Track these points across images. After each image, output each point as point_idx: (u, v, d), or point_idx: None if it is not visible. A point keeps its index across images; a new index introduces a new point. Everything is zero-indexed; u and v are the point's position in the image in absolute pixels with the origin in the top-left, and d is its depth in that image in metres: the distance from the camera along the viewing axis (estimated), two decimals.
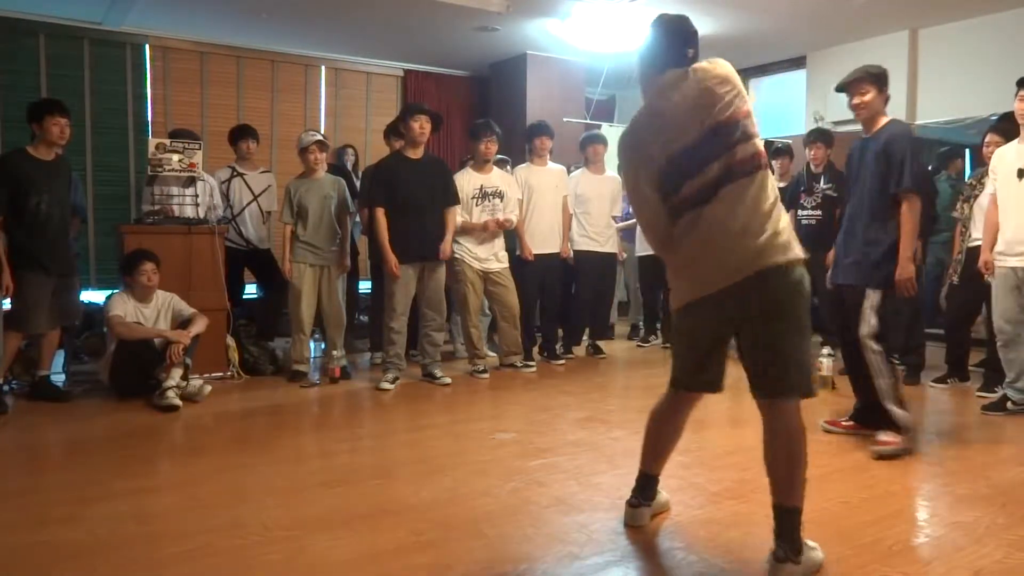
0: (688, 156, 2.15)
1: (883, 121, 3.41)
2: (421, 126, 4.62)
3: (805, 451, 2.11)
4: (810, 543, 2.17)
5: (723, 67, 2.19)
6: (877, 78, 3.36)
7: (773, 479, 2.12)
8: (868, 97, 3.35)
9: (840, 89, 3.45)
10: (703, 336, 2.28)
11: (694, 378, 2.34)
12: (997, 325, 4.07)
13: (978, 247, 4.29)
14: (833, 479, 2.99)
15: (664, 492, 2.63)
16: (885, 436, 3.31)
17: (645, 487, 2.53)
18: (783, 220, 2.15)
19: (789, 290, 2.12)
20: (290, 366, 4.94)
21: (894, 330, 5.07)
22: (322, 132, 6.03)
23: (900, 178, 3.28)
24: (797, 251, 2.14)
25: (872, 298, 3.35)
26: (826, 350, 4.84)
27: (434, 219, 4.71)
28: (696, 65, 2.21)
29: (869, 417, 3.51)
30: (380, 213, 4.60)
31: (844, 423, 3.67)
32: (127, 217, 6.43)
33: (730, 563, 2.24)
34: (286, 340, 5.22)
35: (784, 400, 2.12)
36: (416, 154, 4.69)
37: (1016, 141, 4.00)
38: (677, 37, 2.29)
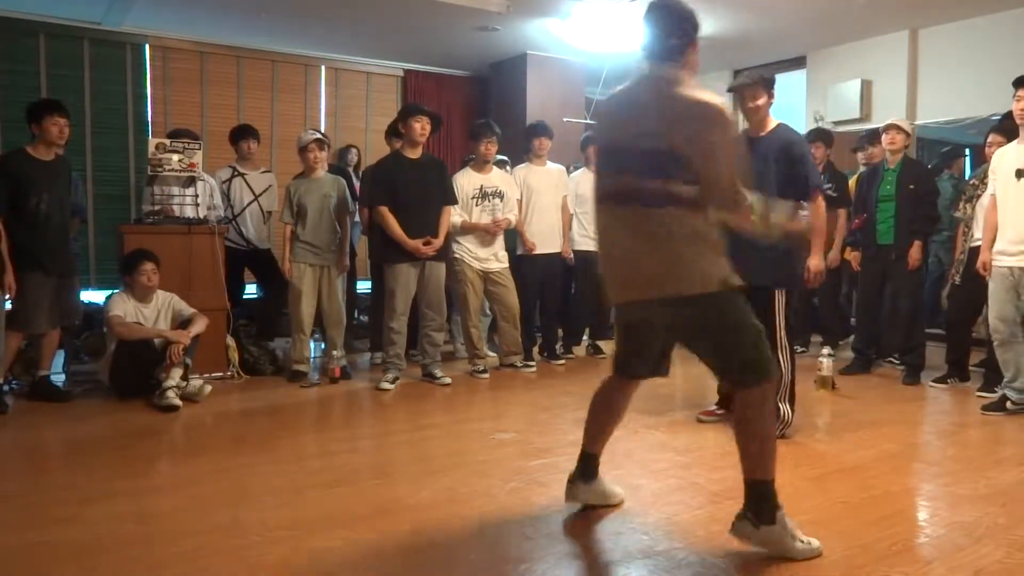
0: (631, 157, 2.26)
1: (772, 123, 3.59)
2: (422, 127, 4.62)
3: (769, 430, 2.25)
4: (808, 539, 2.27)
5: (703, 105, 2.19)
6: (769, 83, 3.56)
7: (741, 455, 2.27)
8: (761, 102, 3.53)
9: (731, 90, 3.68)
10: (633, 332, 2.46)
11: (628, 365, 2.53)
12: (992, 325, 4.07)
13: (980, 247, 4.29)
14: (833, 479, 2.99)
15: (617, 488, 2.70)
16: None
17: (585, 466, 2.60)
18: (698, 253, 2.20)
19: (704, 317, 2.22)
20: (290, 366, 4.94)
21: (893, 329, 5.10)
22: (322, 131, 6.03)
23: (808, 178, 3.52)
24: (707, 283, 2.18)
25: (779, 299, 3.51)
26: (826, 350, 4.84)
27: (433, 218, 4.71)
28: (682, 91, 2.22)
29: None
30: (384, 210, 4.61)
31: (717, 411, 3.83)
32: (127, 217, 6.43)
33: (730, 563, 2.24)
34: (286, 340, 5.22)
35: (743, 390, 2.24)
36: (415, 154, 4.69)
37: (1016, 142, 4.01)
38: (661, 25, 2.32)
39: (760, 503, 2.24)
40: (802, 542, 2.26)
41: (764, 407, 2.25)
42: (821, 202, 3.62)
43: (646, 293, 2.26)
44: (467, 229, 5.00)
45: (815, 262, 3.65)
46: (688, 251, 2.20)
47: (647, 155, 2.21)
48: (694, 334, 2.28)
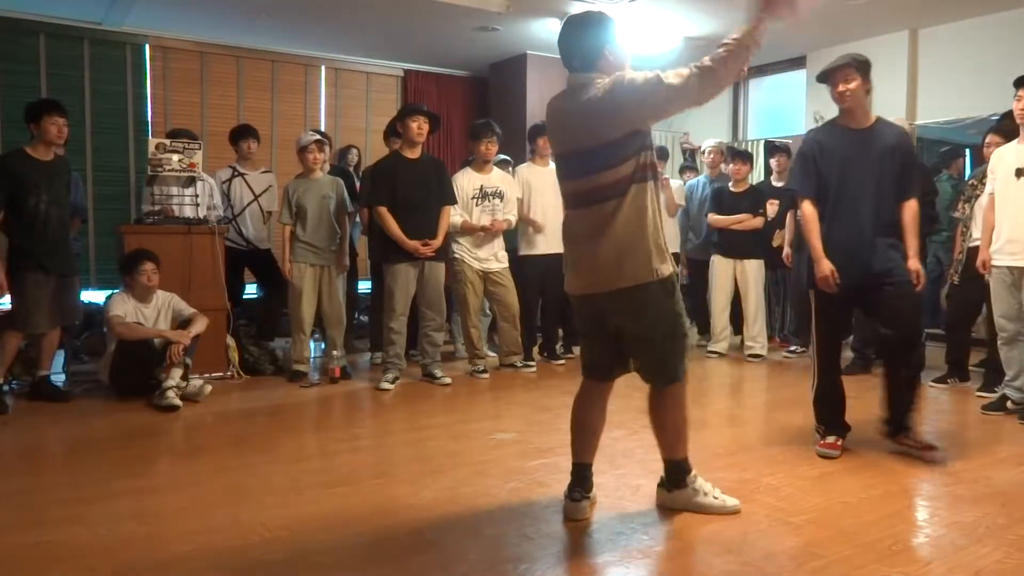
0: (574, 161, 2.48)
1: (874, 116, 3.36)
2: (419, 126, 4.62)
3: (684, 417, 2.58)
4: (724, 497, 2.61)
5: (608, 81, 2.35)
6: (863, 65, 3.27)
7: (659, 440, 2.61)
8: (853, 85, 3.24)
9: (822, 78, 3.35)
10: (593, 330, 2.57)
11: (596, 367, 2.61)
12: (998, 323, 4.08)
13: (979, 247, 4.28)
14: (833, 479, 2.99)
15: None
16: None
17: (583, 479, 2.61)
18: (647, 240, 2.37)
19: (648, 306, 2.40)
20: (290, 366, 4.94)
21: None
22: (323, 131, 6.03)
23: (912, 184, 3.29)
24: (651, 272, 2.37)
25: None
26: None
27: (432, 218, 4.71)
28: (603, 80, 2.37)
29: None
30: (384, 211, 4.61)
31: (839, 443, 3.32)
32: (127, 217, 6.43)
33: (731, 564, 2.24)
34: (286, 340, 5.22)
35: (663, 387, 2.53)
36: (414, 154, 4.69)
37: (1016, 141, 4.01)
38: (571, 41, 2.46)
39: (676, 475, 2.61)
40: (716, 498, 2.61)
41: (683, 400, 2.57)
42: (916, 211, 3.31)
43: (598, 287, 2.42)
44: (467, 229, 5.00)
45: (915, 263, 3.28)
46: (628, 244, 2.35)
47: (585, 155, 2.39)
48: (636, 327, 2.44)
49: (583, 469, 2.60)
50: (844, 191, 3.28)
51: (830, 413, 3.37)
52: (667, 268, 2.41)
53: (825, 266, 3.28)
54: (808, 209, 3.36)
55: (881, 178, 3.25)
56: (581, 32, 2.44)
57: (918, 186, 3.37)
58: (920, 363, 3.93)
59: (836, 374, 3.41)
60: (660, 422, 2.59)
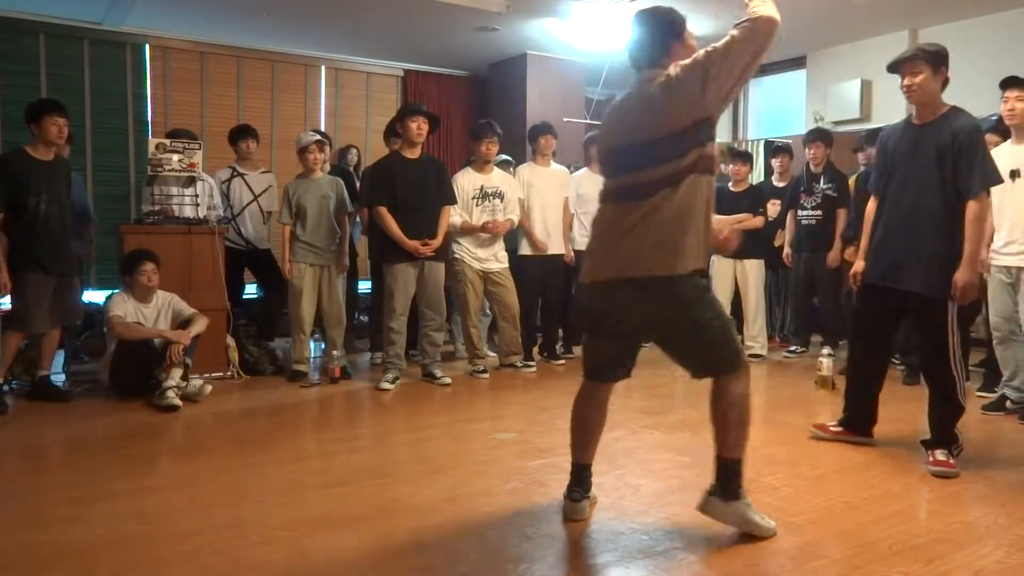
0: (627, 155, 2.39)
1: (943, 109, 3.12)
2: (419, 127, 4.62)
3: (747, 413, 2.38)
4: (762, 518, 2.41)
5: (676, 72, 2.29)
6: (934, 56, 3.05)
7: (717, 435, 2.40)
8: (920, 78, 3.04)
9: (892, 69, 3.15)
10: (598, 323, 2.48)
11: (600, 370, 2.54)
12: (993, 323, 4.09)
13: None
14: (833, 479, 3.00)
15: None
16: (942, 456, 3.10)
17: (582, 479, 2.60)
18: (692, 234, 2.27)
19: (680, 297, 2.29)
20: (290, 366, 4.94)
21: None
22: (323, 131, 6.02)
23: (967, 183, 3.00)
24: (685, 267, 2.27)
25: (952, 310, 3.06)
26: (826, 350, 4.83)
27: (432, 218, 4.71)
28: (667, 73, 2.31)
29: (860, 424, 3.43)
30: (384, 211, 4.62)
31: (833, 428, 3.49)
32: (127, 217, 6.44)
33: (731, 563, 2.24)
34: (286, 340, 5.23)
35: (722, 377, 2.36)
36: (413, 154, 4.69)
37: (1009, 142, 4.02)
38: (639, 37, 2.43)
39: (730, 480, 2.40)
40: (763, 518, 2.42)
41: (745, 392, 2.38)
42: (977, 211, 3.01)
43: (632, 271, 2.30)
44: (467, 230, 5.00)
45: (963, 274, 3.01)
46: (672, 232, 2.27)
47: (641, 148, 2.31)
48: (668, 321, 2.34)
49: (583, 469, 2.60)
50: (890, 189, 3.20)
51: (852, 405, 3.42)
52: (702, 266, 2.34)
53: (855, 265, 3.38)
54: (869, 204, 3.39)
55: (927, 177, 3.05)
56: (646, 31, 2.41)
57: (976, 185, 3.01)
58: (920, 362, 3.93)
59: (864, 372, 3.37)
60: (720, 415, 2.37)
